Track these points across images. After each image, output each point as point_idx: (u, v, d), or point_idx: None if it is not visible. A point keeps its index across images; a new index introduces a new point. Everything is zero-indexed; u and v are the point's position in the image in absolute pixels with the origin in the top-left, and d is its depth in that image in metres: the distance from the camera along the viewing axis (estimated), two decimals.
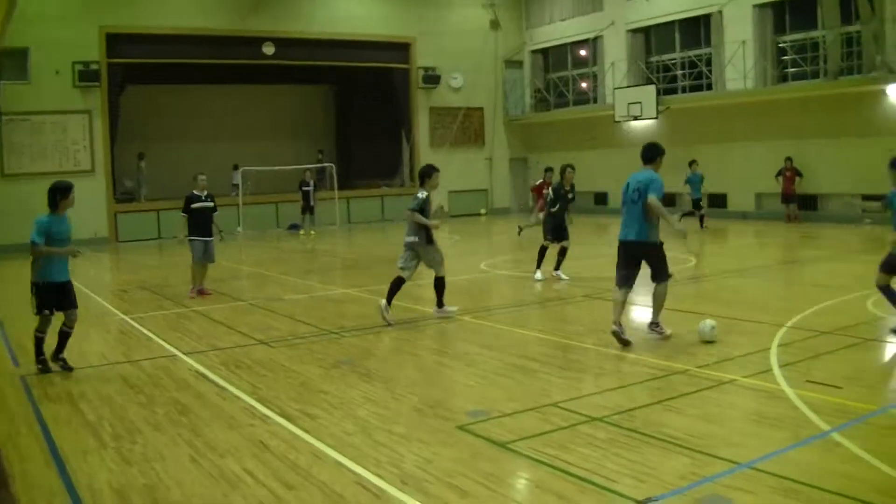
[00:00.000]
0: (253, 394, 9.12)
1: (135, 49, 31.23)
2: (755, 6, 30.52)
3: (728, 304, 13.71)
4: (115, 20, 30.65)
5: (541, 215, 19.14)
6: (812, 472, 6.32)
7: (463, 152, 39.33)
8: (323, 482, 6.49)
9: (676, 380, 9.09)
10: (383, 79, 37.82)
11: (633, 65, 35.47)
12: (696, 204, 27.60)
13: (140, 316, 14.44)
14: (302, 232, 31.09)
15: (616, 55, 36.07)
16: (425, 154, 37.99)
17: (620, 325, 10.94)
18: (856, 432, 7.18)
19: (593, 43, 37.82)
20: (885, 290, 11.07)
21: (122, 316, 14.68)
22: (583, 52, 39.14)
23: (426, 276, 14.19)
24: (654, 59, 35.65)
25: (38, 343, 10.56)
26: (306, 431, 7.77)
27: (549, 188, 18.43)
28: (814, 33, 29.56)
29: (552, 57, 41.11)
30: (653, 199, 10.82)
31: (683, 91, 34.08)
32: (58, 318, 10.42)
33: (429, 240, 13.51)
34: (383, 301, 13.23)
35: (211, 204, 16.77)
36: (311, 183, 31.09)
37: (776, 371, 9.24)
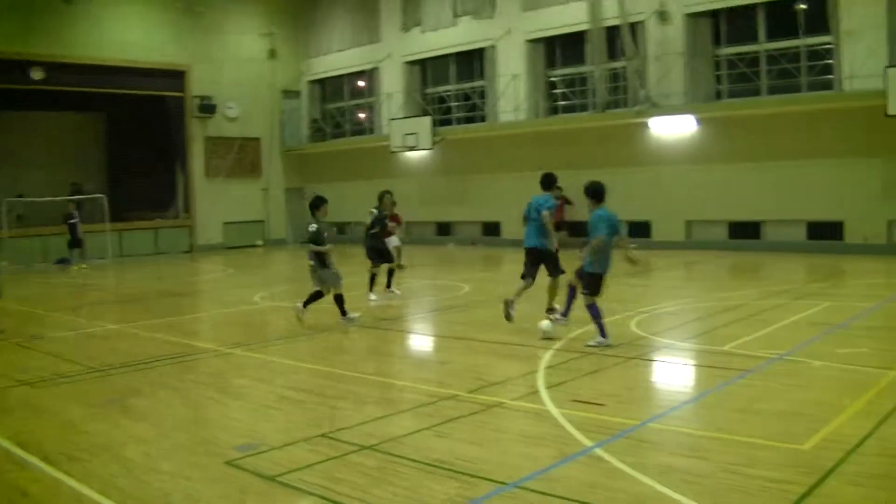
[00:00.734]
0: (12, 438, 8.65)
1: None
2: (527, 41, 31.55)
3: (498, 330, 13.96)
4: None
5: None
6: (576, 487, 6.51)
7: (239, 183, 38.88)
8: None
9: (445, 405, 9.17)
10: (157, 107, 36.93)
11: (410, 96, 35.98)
12: None
13: None
14: (75, 266, 29.93)
15: (393, 86, 36.52)
16: (200, 185, 37.47)
17: (513, 302, 13.84)
18: (618, 447, 7.46)
19: (370, 74, 38.14)
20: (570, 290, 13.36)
21: None
22: (360, 83, 39.39)
23: (198, 311, 13.90)
24: (430, 90, 36.25)
25: None
26: (69, 475, 7.40)
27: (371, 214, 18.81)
28: (582, 68, 30.74)
29: (329, 87, 41.27)
30: (545, 213, 13.99)
31: (458, 122, 34.75)
32: None
33: (322, 264, 14.89)
34: (300, 303, 15.19)
35: None
36: (76, 214, 29.99)
37: (542, 392, 9.48)
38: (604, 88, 29.44)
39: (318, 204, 15.10)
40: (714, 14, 27.82)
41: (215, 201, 37.87)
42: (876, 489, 6.29)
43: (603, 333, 12.05)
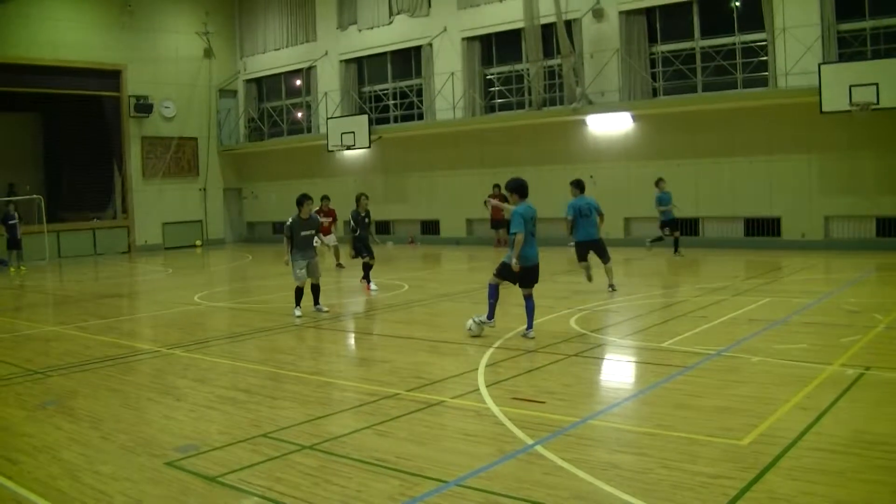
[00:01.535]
0: None
1: None
2: (463, 39, 31.62)
3: (438, 328, 14.06)
4: None
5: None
6: (516, 484, 6.55)
7: (177, 183, 38.61)
8: None
9: (386, 404, 9.20)
10: (93, 107, 36.65)
11: (347, 95, 35.91)
12: (669, 224, 24.97)
13: None
14: (12, 268, 29.49)
15: (329, 85, 36.46)
16: (138, 185, 37.16)
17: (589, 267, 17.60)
18: (558, 444, 7.52)
19: (307, 73, 38.01)
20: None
21: None
22: (297, 82, 39.25)
23: (138, 311, 13.75)
24: (367, 89, 36.22)
25: None
26: (8, 478, 7.34)
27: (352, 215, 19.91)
28: (519, 66, 30.87)
29: (266, 86, 41.12)
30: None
31: (396, 120, 34.75)
32: None
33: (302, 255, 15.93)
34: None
35: None
36: (15, 216, 29.62)
37: (483, 390, 9.53)
38: (540, 86, 29.61)
39: (301, 201, 16.08)
40: (649, 11, 28.09)
41: (153, 201, 37.57)
42: (812, 483, 6.39)
43: (490, 315, 12.94)
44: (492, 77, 32.20)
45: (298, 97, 39.60)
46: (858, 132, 23.81)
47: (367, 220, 20.10)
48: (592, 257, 17.81)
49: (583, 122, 28.78)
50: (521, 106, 31.07)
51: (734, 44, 26.63)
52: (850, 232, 25.01)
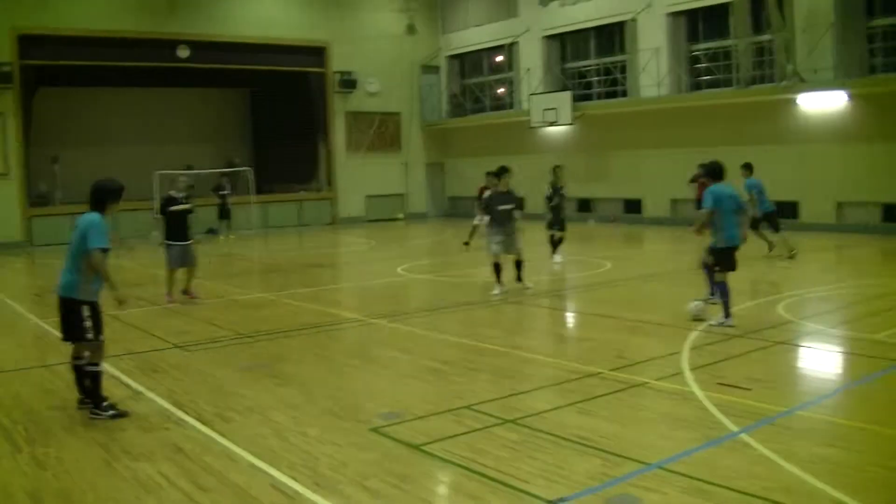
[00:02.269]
0: (168, 398, 9.04)
1: (48, 51, 30.70)
2: (668, 14, 30.94)
3: (641, 308, 13.90)
4: (27, 21, 30.10)
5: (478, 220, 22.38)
6: (721, 472, 6.43)
7: (379, 157, 39.30)
8: (237, 485, 6.48)
9: (589, 382, 9.20)
10: (299, 83, 37.65)
11: (549, 71, 35.76)
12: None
13: (55, 320, 14.03)
14: (222, 237, 30.71)
15: (532, 61, 36.32)
16: (342, 158, 38.00)
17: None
18: (764, 433, 7.33)
19: (509, 49, 38.02)
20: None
21: (38, 320, 14.40)
22: (499, 58, 39.33)
23: (342, 282, 14.08)
24: (569, 65, 35.98)
25: (98, 380, 8.67)
26: (221, 435, 7.73)
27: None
28: (726, 42, 30.07)
29: (468, 62, 41.28)
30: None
31: (598, 98, 34.43)
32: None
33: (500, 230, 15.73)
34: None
35: (189, 206, 16.13)
36: (228, 187, 30.81)
37: (687, 374, 9.40)
38: (749, 63, 28.75)
39: (498, 174, 16.21)
40: None
41: (356, 175, 38.39)
42: None
43: (727, 314, 12.08)
44: (698, 53, 31.48)
45: (500, 73, 39.68)
46: None
47: (563, 192, 20.33)
48: None
49: (793, 101, 27.78)
50: (727, 84, 30.23)
51: None
52: None
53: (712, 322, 12.10)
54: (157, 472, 6.81)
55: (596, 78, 34.60)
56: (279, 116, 39.04)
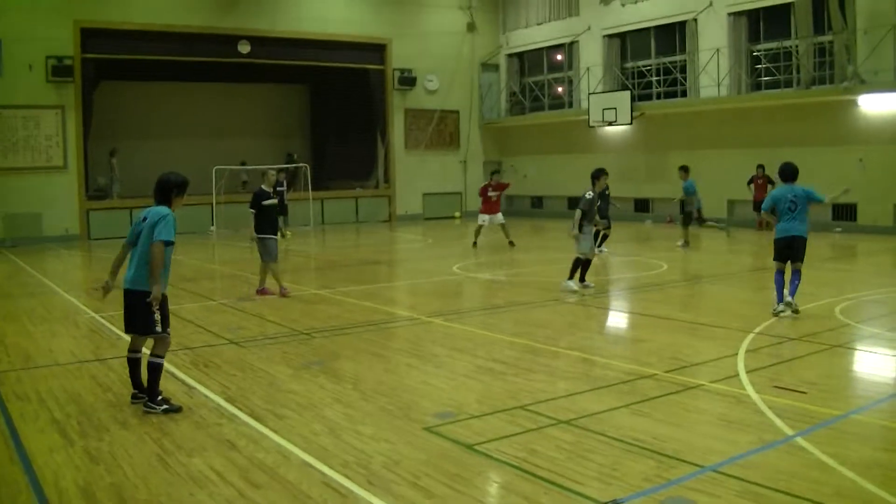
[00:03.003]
0: (221, 393, 9.10)
1: (109, 44, 31.09)
2: (730, 14, 30.68)
3: (697, 310, 13.85)
4: (90, 14, 30.45)
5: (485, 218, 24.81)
6: (775, 476, 6.37)
7: (438, 154, 39.37)
8: (290, 482, 6.49)
9: (644, 384, 9.13)
10: (358, 79, 37.77)
11: (609, 70, 35.61)
12: None
13: (111, 314, 14.20)
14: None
15: (591, 60, 36.18)
16: (400, 156, 38.11)
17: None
18: (820, 437, 7.25)
19: (569, 48, 37.89)
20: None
21: (93, 314, 14.56)
22: (559, 57, 39.21)
23: (398, 279, 14.08)
24: (629, 64, 35.79)
25: (158, 373, 8.70)
26: (274, 431, 7.76)
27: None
28: (787, 42, 29.77)
29: (528, 61, 41.16)
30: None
31: (658, 97, 34.22)
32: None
33: (581, 229, 15.83)
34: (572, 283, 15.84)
35: (276, 201, 16.37)
36: (284, 183, 30.98)
37: (742, 376, 9.30)
38: (809, 64, 28.46)
39: (597, 175, 16.26)
40: None
41: (414, 172, 38.50)
42: None
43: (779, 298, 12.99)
44: (758, 54, 31.17)
45: (560, 72, 39.55)
46: None
47: (607, 193, 20.82)
48: None
49: (853, 103, 27.46)
50: (788, 84, 29.94)
51: None
52: None
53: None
54: (209, 467, 6.84)
55: (655, 78, 34.35)
56: (338, 113, 39.14)
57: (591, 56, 36.29)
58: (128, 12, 31.16)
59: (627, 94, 33.46)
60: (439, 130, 39.56)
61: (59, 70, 29.79)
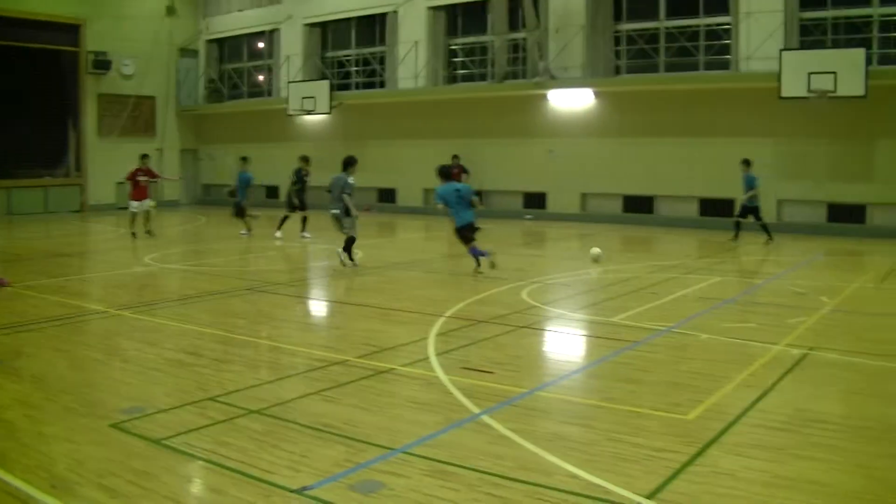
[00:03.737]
0: None
1: None
2: (429, 8, 31.47)
3: (391, 296, 14.04)
4: None
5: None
6: (462, 452, 6.57)
7: (133, 142, 37.89)
8: None
9: (335, 370, 9.17)
10: (50, 61, 35.87)
11: (309, 59, 35.68)
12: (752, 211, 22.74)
13: None
14: None
15: (292, 49, 36.17)
16: (93, 143, 36.65)
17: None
18: (505, 414, 7.55)
19: (270, 35, 37.71)
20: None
21: None
22: (260, 45, 38.93)
23: (88, 271, 13.53)
24: (329, 54, 35.99)
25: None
26: None
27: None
28: (483, 38, 30.80)
29: (228, 47, 40.70)
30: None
31: (357, 87, 34.59)
32: None
33: (347, 212, 17.50)
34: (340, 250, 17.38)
35: None
36: None
37: (433, 359, 9.53)
38: (504, 59, 29.56)
39: (351, 161, 18.46)
40: None
41: (108, 160, 36.93)
42: (754, 459, 6.46)
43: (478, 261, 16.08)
44: (456, 48, 32.08)
45: (260, 60, 39.28)
46: (814, 119, 24.04)
47: (306, 178, 23.97)
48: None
49: (544, 97, 28.75)
50: (483, 78, 31.01)
51: (698, 26, 26.74)
52: (801, 216, 25.26)
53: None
54: None
55: (355, 68, 34.75)
56: (25, 96, 36.83)
57: (292, 45, 36.29)
58: None
59: (327, 83, 33.70)
60: (134, 117, 38.27)
61: None
